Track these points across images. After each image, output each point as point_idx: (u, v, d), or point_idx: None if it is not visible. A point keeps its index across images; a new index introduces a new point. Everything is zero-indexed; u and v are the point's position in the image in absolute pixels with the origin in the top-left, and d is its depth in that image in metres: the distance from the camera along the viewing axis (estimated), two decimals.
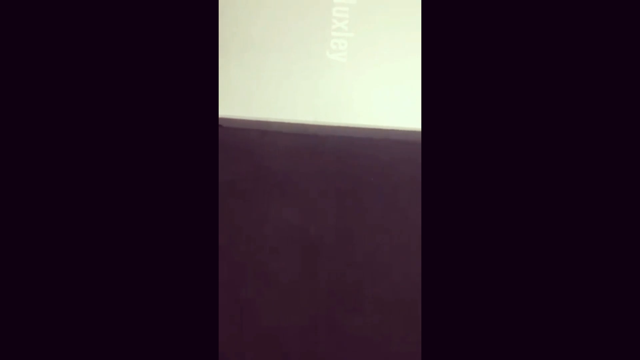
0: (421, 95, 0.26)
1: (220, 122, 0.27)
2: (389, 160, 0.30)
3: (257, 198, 0.30)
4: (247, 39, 0.26)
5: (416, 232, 0.30)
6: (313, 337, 0.30)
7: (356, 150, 0.30)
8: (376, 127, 0.26)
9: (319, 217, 0.30)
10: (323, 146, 0.30)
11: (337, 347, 0.30)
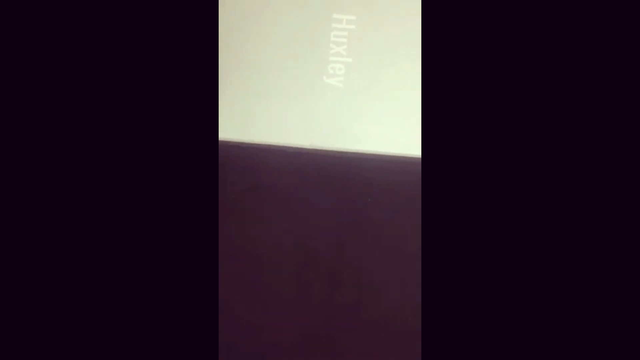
0: (421, 122, 0.26)
1: (220, 145, 0.27)
2: (387, 180, 0.30)
3: (255, 214, 0.30)
4: (246, 64, 0.26)
5: (415, 252, 0.30)
6: (310, 353, 0.30)
7: (354, 168, 0.30)
8: (373, 153, 0.27)
9: (316, 234, 0.30)
10: (321, 164, 0.30)
11: None
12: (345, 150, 0.27)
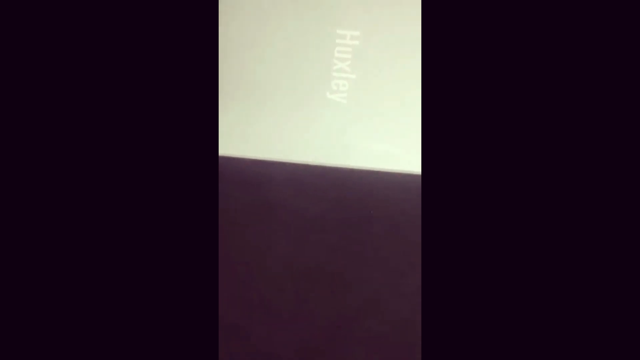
0: (421, 139, 0.26)
1: (220, 161, 0.27)
2: (388, 194, 0.30)
3: (256, 228, 0.30)
4: (248, 78, 0.26)
5: (415, 266, 0.30)
6: None
7: (355, 184, 0.30)
8: (374, 169, 0.27)
9: (316, 248, 0.31)
10: (322, 179, 0.30)
11: None
12: (347, 167, 0.27)
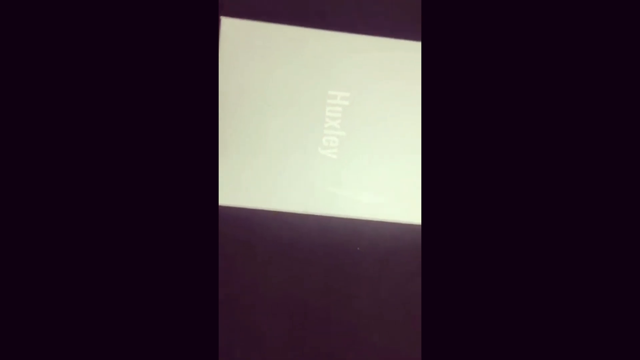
0: (421, 190, 0.28)
1: (220, 210, 0.29)
2: (373, 241, 0.32)
3: (253, 272, 0.32)
4: (245, 136, 0.28)
5: (406, 303, 0.32)
6: None
7: (344, 232, 0.32)
8: (362, 218, 0.28)
9: (308, 285, 0.32)
10: (314, 228, 0.32)
11: None
12: (336, 216, 0.28)
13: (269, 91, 0.27)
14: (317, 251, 0.32)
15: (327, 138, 0.28)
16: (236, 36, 0.27)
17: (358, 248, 0.32)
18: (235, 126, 0.28)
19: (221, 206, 0.28)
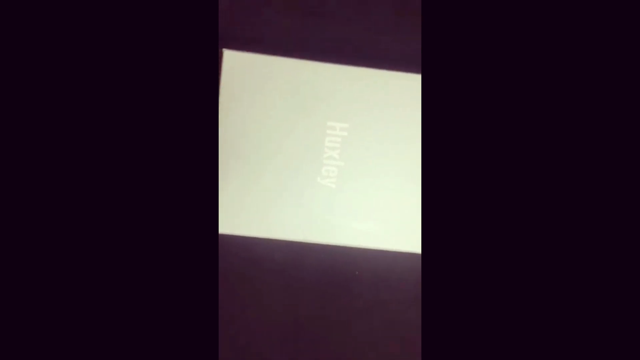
0: (421, 220, 0.28)
1: (220, 238, 0.29)
2: (370, 268, 0.32)
3: (252, 289, 0.32)
4: (246, 166, 0.28)
5: (405, 332, 0.32)
6: None
7: (342, 260, 0.32)
8: (360, 247, 0.29)
9: (306, 313, 0.32)
10: (312, 256, 0.32)
11: None
12: (334, 244, 0.29)
13: (269, 122, 0.28)
14: (316, 280, 0.32)
15: (327, 168, 0.28)
16: (237, 68, 0.27)
17: (357, 272, 0.32)
18: (235, 155, 0.28)
19: (221, 234, 0.28)
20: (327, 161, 0.28)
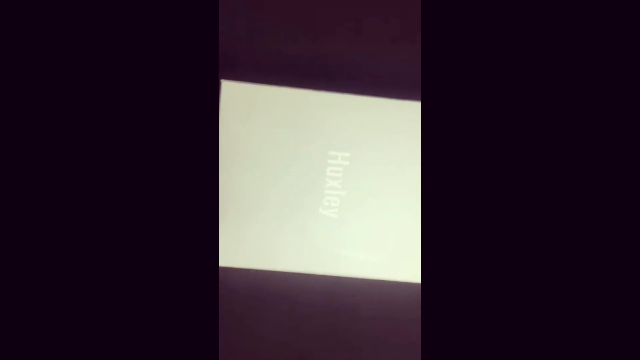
0: (421, 250, 0.28)
1: (220, 271, 0.29)
2: (375, 300, 0.32)
3: (254, 335, 0.32)
4: (247, 195, 0.28)
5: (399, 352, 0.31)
6: None
7: (344, 291, 0.32)
8: (363, 277, 0.28)
9: (308, 346, 0.32)
10: (315, 287, 0.32)
11: None
12: (336, 275, 0.28)
13: (269, 153, 0.28)
14: (317, 310, 0.31)
15: (328, 198, 0.28)
16: (236, 99, 0.27)
17: (359, 297, 0.32)
18: (235, 186, 0.28)
19: (221, 267, 0.28)
20: (328, 191, 0.28)
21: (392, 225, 0.28)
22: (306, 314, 0.31)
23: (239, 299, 0.31)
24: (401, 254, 0.28)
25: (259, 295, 0.31)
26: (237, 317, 0.31)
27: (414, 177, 0.28)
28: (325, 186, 0.28)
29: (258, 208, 0.28)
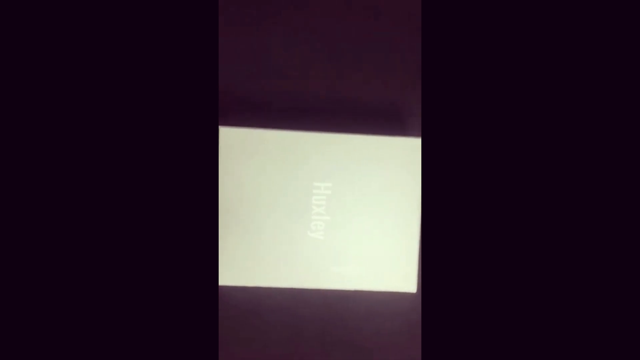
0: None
1: (220, 289, 0.32)
2: (361, 310, 0.34)
3: (252, 338, 0.34)
4: (243, 223, 0.31)
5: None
6: None
7: (334, 302, 0.34)
8: (349, 290, 0.31)
9: (300, 343, 0.33)
10: (307, 300, 0.34)
11: None
12: (326, 288, 0.31)
13: (263, 186, 0.31)
14: (313, 322, 0.33)
15: (315, 222, 0.31)
16: (233, 142, 0.31)
17: (359, 316, 0.34)
18: (234, 216, 0.31)
19: (221, 286, 0.31)
20: (315, 217, 0.31)
21: (371, 242, 0.31)
22: (301, 327, 0.33)
23: (237, 315, 0.33)
24: (381, 265, 0.31)
25: (255, 311, 0.33)
26: (235, 333, 0.33)
27: (389, 201, 0.31)
28: (312, 212, 0.31)
29: (254, 234, 0.31)
